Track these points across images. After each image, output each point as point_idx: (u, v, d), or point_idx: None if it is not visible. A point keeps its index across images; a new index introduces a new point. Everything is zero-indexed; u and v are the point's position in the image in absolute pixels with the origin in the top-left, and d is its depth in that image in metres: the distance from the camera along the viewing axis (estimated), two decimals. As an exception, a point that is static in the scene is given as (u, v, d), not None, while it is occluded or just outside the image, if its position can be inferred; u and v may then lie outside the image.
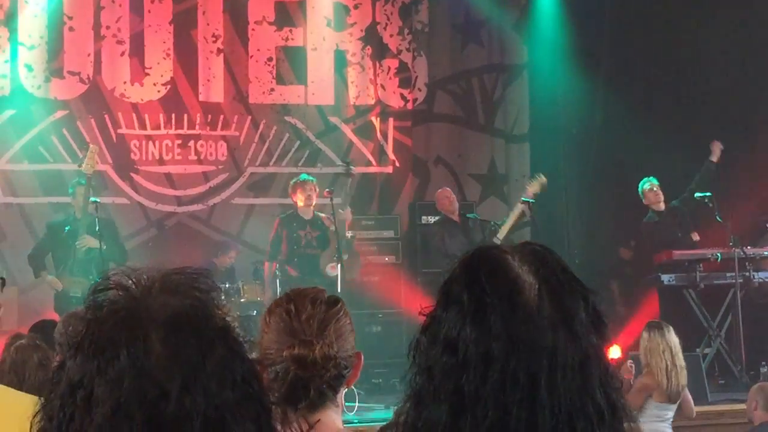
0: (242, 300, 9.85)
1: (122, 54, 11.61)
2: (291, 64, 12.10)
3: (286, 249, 9.82)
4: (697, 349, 9.47)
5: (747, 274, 9.95)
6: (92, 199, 9.22)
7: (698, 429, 7.71)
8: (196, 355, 1.29)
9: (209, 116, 11.80)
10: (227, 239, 11.48)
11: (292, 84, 12.09)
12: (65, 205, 10.03)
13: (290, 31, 12.12)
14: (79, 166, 9.39)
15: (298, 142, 12.08)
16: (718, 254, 9.93)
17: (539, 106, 12.52)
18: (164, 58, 11.71)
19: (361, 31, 12.31)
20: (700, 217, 10.44)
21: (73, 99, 11.43)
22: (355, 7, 12.31)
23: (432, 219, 11.20)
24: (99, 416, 1.25)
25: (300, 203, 9.87)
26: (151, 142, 11.65)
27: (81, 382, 1.28)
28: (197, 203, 11.78)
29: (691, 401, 6.98)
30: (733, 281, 9.87)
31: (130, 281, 1.35)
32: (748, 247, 10.03)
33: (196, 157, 11.78)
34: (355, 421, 7.61)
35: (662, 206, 10.43)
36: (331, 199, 9.59)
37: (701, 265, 10.05)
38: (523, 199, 10.94)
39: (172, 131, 11.69)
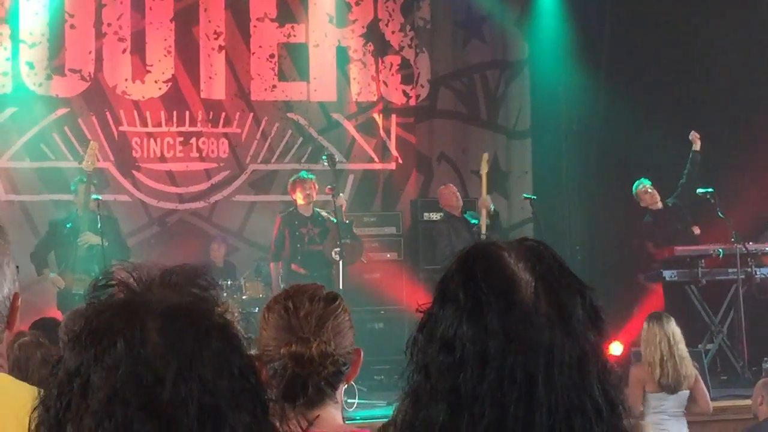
0: (244, 297, 9.86)
1: (123, 51, 11.60)
2: (293, 60, 12.10)
3: (290, 247, 9.81)
4: (700, 345, 9.46)
5: (749, 269, 9.95)
6: (94, 196, 9.23)
7: (701, 425, 7.69)
8: (193, 344, 1.30)
9: (211, 113, 11.80)
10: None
11: (295, 80, 12.09)
12: (67, 203, 10.03)
13: (292, 27, 12.11)
14: (80, 163, 9.40)
15: (300, 139, 12.08)
16: (720, 250, 9.93)
17: (540, 103, 12.52)
18: (165, 56, 11.71)
19: (363, 27, 12.31)
20: (701, 213, 10.44)
21: (74, 96, 11.43)
22: (357, 3, 12.30)
23: (434, 216, 11.18)
24: (95, 402, 1.26)
25: (300, 201, 9.87)
26: (152, 140, 11.65)
27: (78, 370, 1.29)
28: (199, 200, 11.78)
29: (707, 394, 6.92)
30: (735, 277, 9.88)
31: (131, 277, 1.36)
32: (750, 243, 10.03)
33: (197, 155, 11.78)
34: (357, 418, 7.61)
35: (659, 205, 10.46)
36: (333, 196, 9.59)
37: (703, 261, 10.06)
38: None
39: (174, 128, 11.69)
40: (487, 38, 12.77)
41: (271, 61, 12.02)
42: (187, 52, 11.80)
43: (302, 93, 12.11)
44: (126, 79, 11.58)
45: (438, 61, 12.61)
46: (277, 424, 1.38)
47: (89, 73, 11.49)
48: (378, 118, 12.33)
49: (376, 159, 12.31)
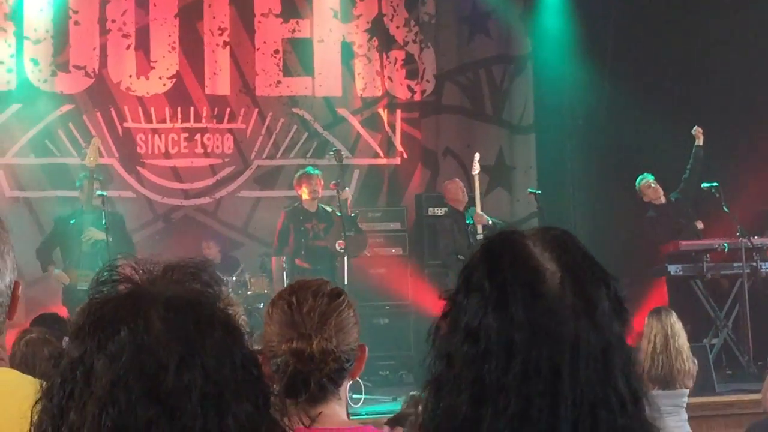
0: (249, 293, 9.87)
1: (128, 47, 11.61)
2: (298, 56, 12.10)
3: (294, 242, 9.81)
4: (705, 340, 9.46)
5: (754, 264, 9.93)
6: (99, 192, 9.24)
7: (706, 420, 7.69)
8: (195, 333, 1.32)
9: (215, 109, 11.80)
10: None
11: (299, 76, 12.09)
12: (72, 199, 10.04)
13: (297, 23, 12.11)
14: (82, 159, 9.41)
15: (306, 134, 12.08)
16: (725, 244, 9.92)
17: (545, 98, 12.50)
18: (170, 52, 11.71)
19: (368, 23, 12.30)
20: (706, 208, 10.43)
21: (78, 93, 11.44)
22: (361, -2, 12.32)
23: (439, 211, 11.15)
24: (98, 389, 1.27)
25: (305, 196, 9.86)
26: (157, 136, 11.66)
27: (81, 358, 1.31)
28: (204, 196, 11.79)
29: None
30: (740, 271, 9.87)
31: (134, 272, 1.37)
32: (755, 237, 10.01)
33: (202, 150, 11.78)
34: (362, 413, 7.61)
35: (663, 200, 10.45)
36: (338, 191, 9.59)
37: (708, 255, 10.04)
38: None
39: (179, 124, 11.70)
40: (492, 33, 12.75)
41: (275, 57, 12.02)
42: (191, 48, 11.80)
43: (307, 88, 12.11)
44: (130, 76, 11.58)
45: (443, 56, 12.60)
46: (280, 420, 1.39)
47: (94, 69, 11.50)
48: (383, 113, 12.32)
49: (381, 154, 12.31)
